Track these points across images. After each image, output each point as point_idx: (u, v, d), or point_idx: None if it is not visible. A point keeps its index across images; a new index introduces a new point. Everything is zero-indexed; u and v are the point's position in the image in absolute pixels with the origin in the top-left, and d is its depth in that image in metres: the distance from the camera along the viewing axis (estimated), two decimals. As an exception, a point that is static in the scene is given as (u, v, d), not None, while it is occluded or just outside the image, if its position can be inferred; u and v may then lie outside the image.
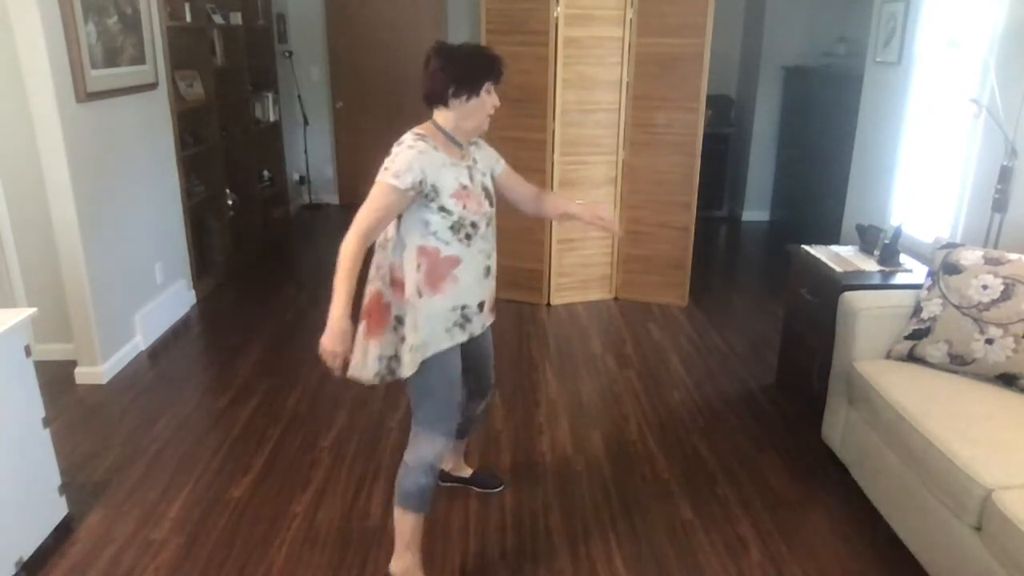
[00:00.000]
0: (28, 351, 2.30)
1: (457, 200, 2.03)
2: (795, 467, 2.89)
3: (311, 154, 7.03)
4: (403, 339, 2.05)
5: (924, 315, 2.59)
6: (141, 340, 3.88)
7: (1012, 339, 2.39)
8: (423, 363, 2.08)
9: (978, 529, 1.99)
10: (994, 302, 2.44)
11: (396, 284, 2.06)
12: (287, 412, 3.27)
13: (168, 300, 4.19)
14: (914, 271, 3.04)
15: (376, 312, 2.08)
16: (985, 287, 2.47)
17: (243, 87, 5.53)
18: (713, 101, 5.63)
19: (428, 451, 2.14)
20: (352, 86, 6.94)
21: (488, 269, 2.17)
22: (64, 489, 2.48)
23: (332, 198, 7.26)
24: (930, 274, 2.65)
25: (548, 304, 4.54)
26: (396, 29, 6.79)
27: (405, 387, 2.15)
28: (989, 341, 2.43)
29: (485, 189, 2.14)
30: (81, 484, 2.74)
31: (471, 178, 2.09)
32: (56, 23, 3.15)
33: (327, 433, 3.10)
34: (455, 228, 2.05)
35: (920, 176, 3.88)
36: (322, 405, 3.33)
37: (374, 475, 2.81)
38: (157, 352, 3.89)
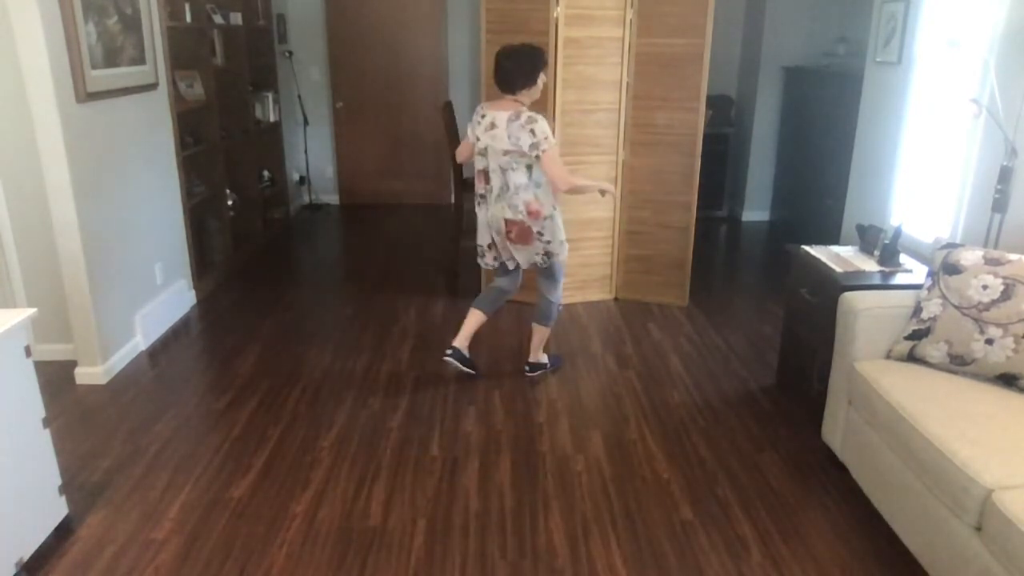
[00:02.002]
0: (28, 351, 2.30)
1: None
2: (795, 467, 2.90)
3: (311, 154, 7.04)
4: (548, 242, 3.26)
5: (924, 315, 2.59)
6: (141, 340, 3.88)
7: (1012, 339, 2.39)
8: (566, 248, 3.36)
9: (978, 529, 1.99)
10: (994, 302, 2.44)
11: (531, 213, 3.19)
12: (287, 412, 3.27)
13: (168, 300, 4.20)
14: (914, 271, 3.04)
15: (525, 234, 3.24)
16: (985, 287, 2.47)
17: (243, 87, 5.54)
18: (713, 101, 5.64)
19: (560, 290, 3.48)
20: (352, 86, 6.94)
21: None
22: (64, 489, 2.48)
23: (332, 198, 7.26)
24: (930, 274, 2.65)
25: (548, 304, 4.54)
26: (396, 29, 6.79)
27: (546, 266, 3.36)
28: (989, 341, 2.43)
29: None
30: (81, 484, 2.74)
31: None
32: (56, 23, 3.15)
33: (327, 433, 3.10)
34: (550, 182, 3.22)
35: (920, 176, 3.88)
36: (322, 405, 3.34)
37: (374, 475, 2.81)
38: (157, 352, 3.89)
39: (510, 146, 3.09)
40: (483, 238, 3.39)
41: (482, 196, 3.31)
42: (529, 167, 3.13)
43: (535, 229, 3.21)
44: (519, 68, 3.11)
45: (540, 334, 3.55)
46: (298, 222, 6.64)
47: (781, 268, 5.03)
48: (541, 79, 3.17)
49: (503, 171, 3.16)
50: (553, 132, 3.15)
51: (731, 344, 4.03)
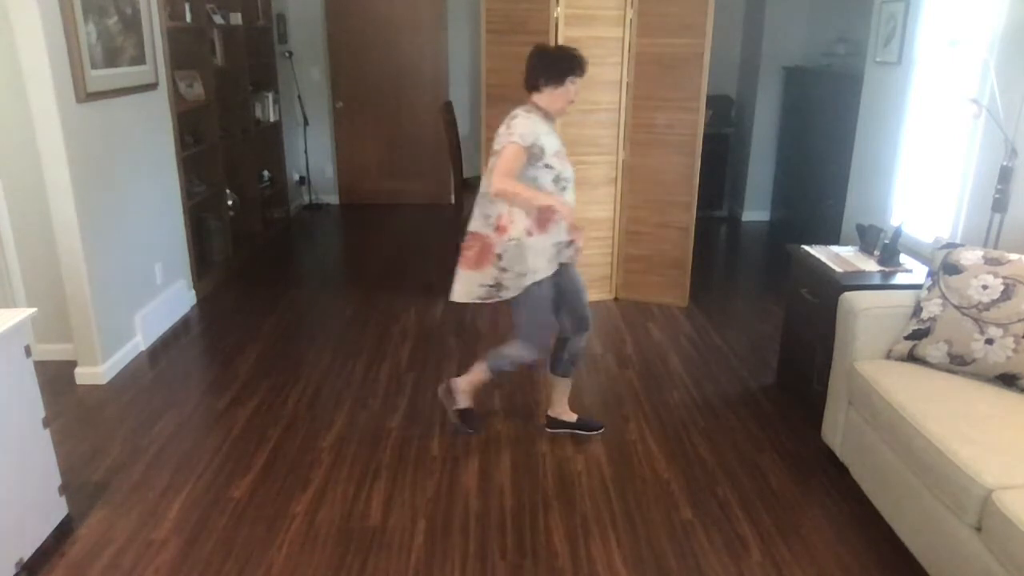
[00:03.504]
0: (28, 351, 2.30)
1: (557, 158, 2.70)
2: (795, 467, 2.89)
3: (311, 154, 7.04)
4: (503, 270, 2.70)
5: (924, 315, 2.59)
6: (141, 340, 3.88)
7: (1012, 339, 2.39)
8: (529, 287, 2.72)
9: (978, 529, 1.99)
10: (994, 302, 2.44)
11: (499, 229, 2.69)
12: (287, 412, 3.27)
13: (168, 300, 4.19)
14: (914, 271, 3.04)
15: (483, 252, 2.72)
16: (985, 287, 2.47)
17: (243, 87, 5.53)
18: (713, 101, 5.63)
19: (523, 353, 2.88)
20: (352, 86, 6.94)
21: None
22: (64, 489, 2.48)
23: (332, 198, 7.26)
24: (930, 274, 2.66)
25: (548, 304, 4.54)
26: (396, 29, 6.79)
27: (511, 308, 2.83)
28: (989, 341, 2.43)
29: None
30: (81, 484, 2.74)
31: (562, 144, 2.77)
32: (56, 23, 3.15)
33: (327, 433, 3.10)
34: (555, 181, 2.71)
35: (920, 176, 3.88)
36: (322, 405, 3.33)
37: (374, 475, 2.81)
38: (157, 352, 3.89)
39: (496, 144, 2.68)
40: None
41: None
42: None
43: (496, 250, 2.69)
44: (544, 63, 2.71)
45: (477, 373, 2.99)
46: (298, 222, 6.64)
47: (781, 268, 5.03)
48: (571, 84, 2.73)
49: (490, 174, 2.70)
50: (535, 139, 2.63)
51: (731, 344, 4.03)
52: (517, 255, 2.68)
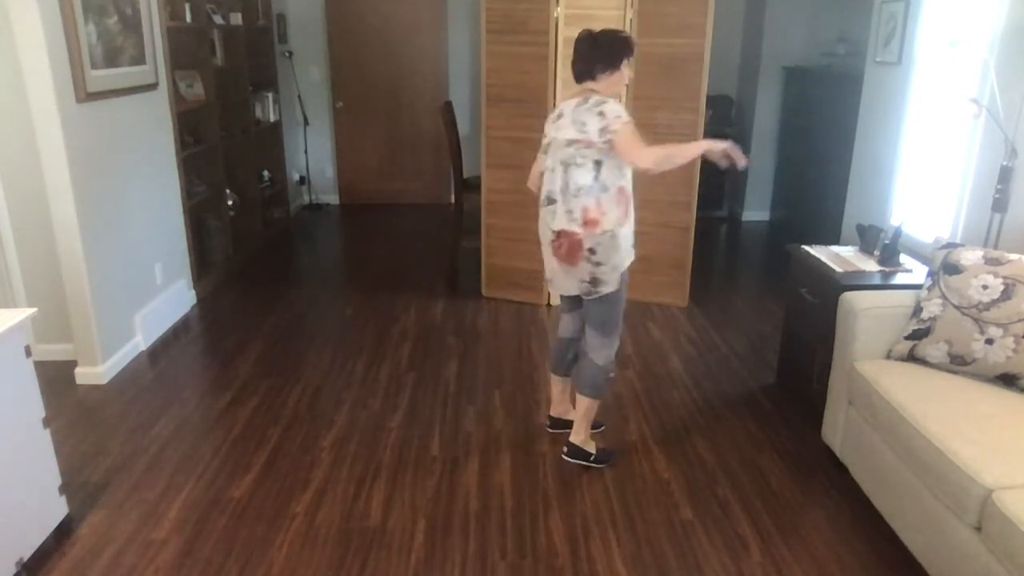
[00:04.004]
0: (28, 351, 2.30)
1: None
2: (795, 467, 2.89)
3: (311, 154, 7.04)
4: (598, 264, 2.60)
5: (924, 315, 2.59)
6: (141, 340, 3.88)
7: (1012, 339, 2.39)
8: (621, 278, 2.66)
9: (978, 529, 1.99)
10: (994, 302, 2.44)
11: (589, 223, 2.58)
12: (287, 412, 3.27)
13: (168, 300, 4.19)
14: (914, 271, 3.04)
15: (573, 249, 2.62)
16: (985, 287, 2.47)
17: (243, 87, 5.53)
18: (713, 101, 5.63)
19: (612, 350, 2.77)
20: (352, 86, 6.94)
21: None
22: (64, 489, 2.47)
23: (332, 198, 7.26)
24: (930, 274, 2.66)
25: (548, 304, 4.54)
26: (396, 29, 6.79)
27: (592, 304, 2.70)
28: (989, 341, 2.43)
29: None
30: (81, 484, 2.74)
31: None
32: (56, 23, 3.15)
33: (327, 433, 3.10)
34: (633, 168, 2.64)
35: (920, 176, 3.88)
36: (322, 405, 3.33)
37: (374, 475, 2.81)
38: (157, 352, 3.89)
39: (576, 134, 2.56)
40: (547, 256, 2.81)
41: (543, 203, 2.75)
42: (598, 164, 2.58)
43: (587, 244, 2.58)
44: (596, 50, 2.62)
45: (582, 407, 2.82)
46: (298, 222, 6.64)
47: (781, 268, 5.03)
48: (626, 67, 2.65)
49: (565, 167, 2.61)
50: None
51: (731, 344, 4.03)
52: (611, 247, 2.61)
